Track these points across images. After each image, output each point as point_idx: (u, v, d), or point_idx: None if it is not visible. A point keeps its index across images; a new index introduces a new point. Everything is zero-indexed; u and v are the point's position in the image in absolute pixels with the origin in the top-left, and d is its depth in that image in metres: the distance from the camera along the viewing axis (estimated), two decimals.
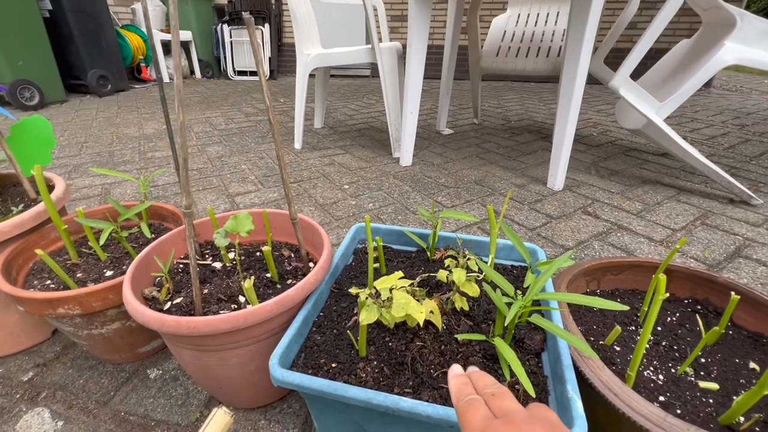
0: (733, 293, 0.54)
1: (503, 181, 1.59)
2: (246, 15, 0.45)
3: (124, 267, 0.73)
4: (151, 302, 0.62)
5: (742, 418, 0.47)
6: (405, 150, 1.75)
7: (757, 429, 0.46)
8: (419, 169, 1.73)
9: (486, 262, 0.65)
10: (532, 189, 1.52)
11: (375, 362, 0.51)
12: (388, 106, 1.78)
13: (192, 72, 4.65)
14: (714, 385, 0.52)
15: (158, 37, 4.09)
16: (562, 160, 1.46)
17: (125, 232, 0.78)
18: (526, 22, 2.11)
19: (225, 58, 4.55)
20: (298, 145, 2.01)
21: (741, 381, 0.53)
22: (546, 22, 2.06)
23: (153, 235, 0.81)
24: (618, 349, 0.58)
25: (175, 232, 0.73)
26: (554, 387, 0.48)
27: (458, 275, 0.54)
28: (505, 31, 2.14)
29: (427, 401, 0.44)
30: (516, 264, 0.74)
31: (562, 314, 0.56)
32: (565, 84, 1.37)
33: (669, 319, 0.65)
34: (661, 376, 0.54)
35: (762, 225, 1.24)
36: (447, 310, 0.59)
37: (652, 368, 0.55)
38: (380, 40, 1.74)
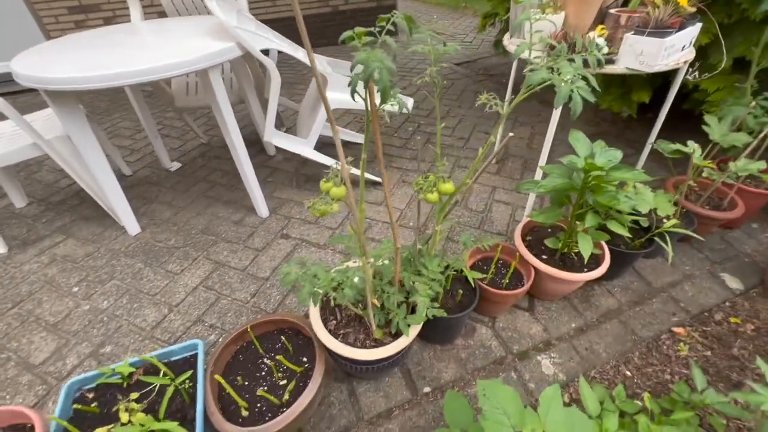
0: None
1: (225, 222, 1.94)
2: None
3: None
4: None
5: None
6: (124, 218, 1.82)
7: None
8: (150, 234, 1.88)
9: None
10: (247, 222, 1.93)
11: None
12: (80, 179, 1.74)
13: None
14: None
15: None
16: (255, 193, 1.87)
17: None
18: None
19: None
20: (2, 249, 1.83)
21: None
22: None
23: None
24: None
25: None
26: None
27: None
28: None
29: None
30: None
31: None
32: (221, 121, 1.69)
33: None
34: None
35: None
36: None
37: None
38: None
